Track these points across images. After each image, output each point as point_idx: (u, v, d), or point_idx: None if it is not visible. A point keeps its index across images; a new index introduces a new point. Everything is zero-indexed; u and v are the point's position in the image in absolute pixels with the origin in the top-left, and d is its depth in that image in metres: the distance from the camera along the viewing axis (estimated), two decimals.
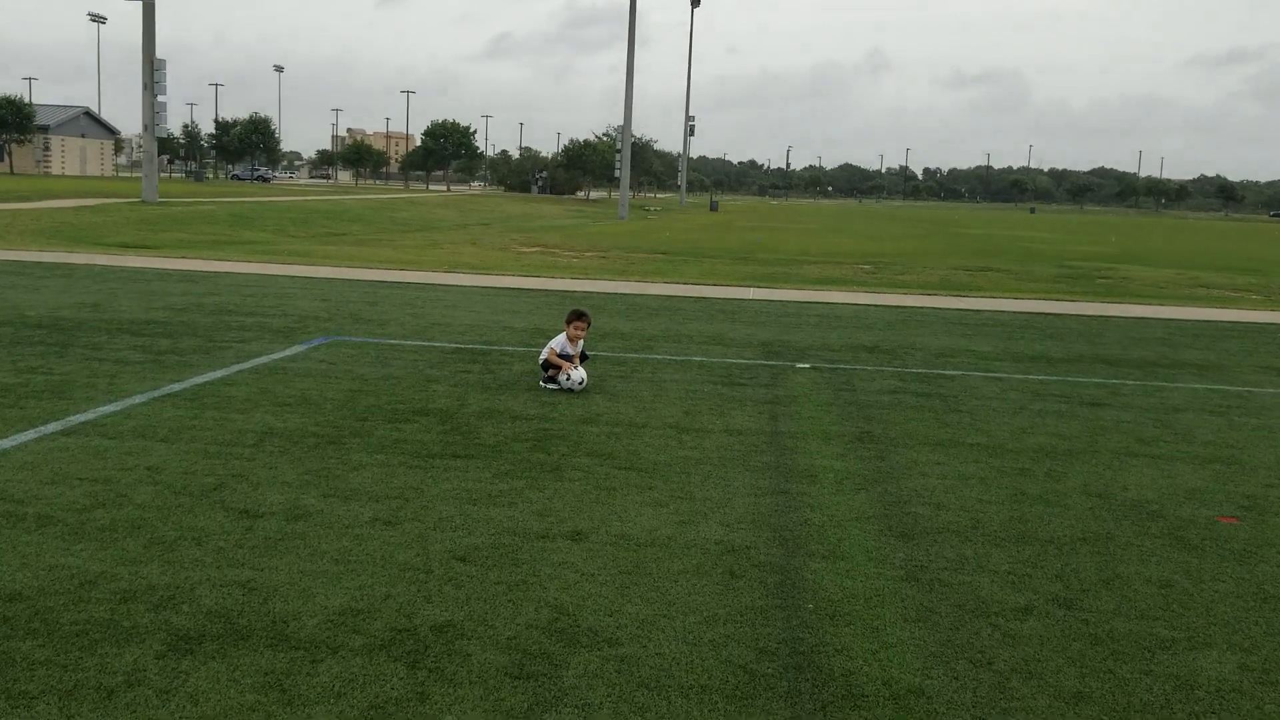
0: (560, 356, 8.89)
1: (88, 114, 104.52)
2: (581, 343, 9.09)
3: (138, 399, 7.86)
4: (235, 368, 9.33)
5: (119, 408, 7.55)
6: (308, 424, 7.31)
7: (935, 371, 10.84)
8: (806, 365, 10.89)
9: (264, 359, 9.83)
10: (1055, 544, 5.49)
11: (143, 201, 42.20)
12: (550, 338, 9.32)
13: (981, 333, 14.28)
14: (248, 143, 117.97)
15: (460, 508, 5.61)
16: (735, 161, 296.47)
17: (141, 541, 4.92)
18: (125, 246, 24.90)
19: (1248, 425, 8.76)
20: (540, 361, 9.01)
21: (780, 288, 20.06)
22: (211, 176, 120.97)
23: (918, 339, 13.33)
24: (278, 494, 5.69)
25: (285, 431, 7.07)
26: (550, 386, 8.87)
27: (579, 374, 8.81)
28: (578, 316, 9.13)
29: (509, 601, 4.40)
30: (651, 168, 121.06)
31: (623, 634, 4.15)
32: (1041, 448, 7.62)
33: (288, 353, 10.25)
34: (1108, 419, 8.76)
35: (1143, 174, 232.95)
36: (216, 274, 17.99)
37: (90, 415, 7.28)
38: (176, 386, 8.37)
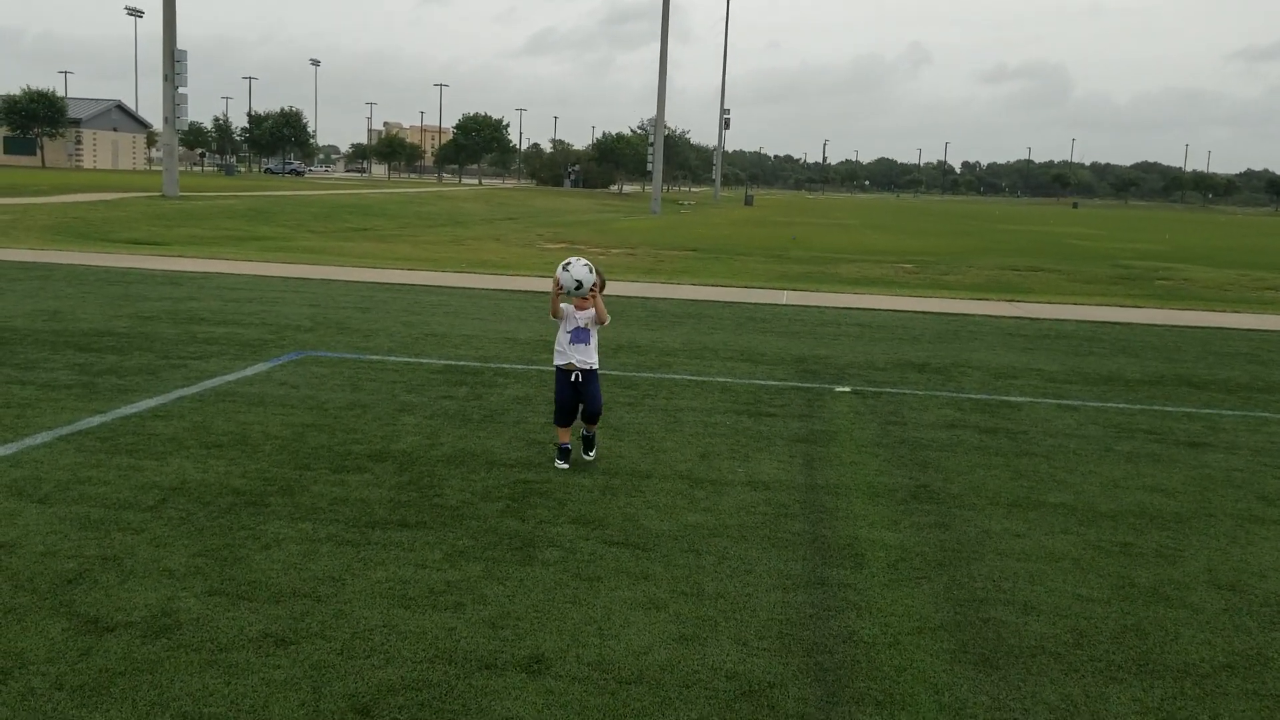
0: (565, 330, 6.51)
1: (120, 107, 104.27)
2: (589, 312, 6.46)
3: (39, 438, 6.52)
4: (178, 393, 7.98)
5: (9, 451, 6.22)
6: (232, 475, 5.93)
7: (998, 398, 9.32)
8: (846, 389, 9.40)
9: (216, 381, 8.48)
10: (1192, 676, 4.00)
11: (162, 196, 41.26)
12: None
13: (1043, 347, 12.70)
14: (279, 136, 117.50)
15: (386, 614, 4.20)
16: (771, 156, 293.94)
17: None
18: (136, 243, 23.80)
19: None
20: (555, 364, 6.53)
21: (816, 290, 18.53)
22: (243, 170, 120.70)
23: (973, 355, 11.79)
24: (150, 590, 4.31)
25: (199, 487, 5.69)
26: (561, 465, 6.42)
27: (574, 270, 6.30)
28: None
29: None
30: (686, 161, 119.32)
31: None
32: (1143, 510, 6.11)
33: (247, 373, 8.89)
34: (1214, 466, 7.22)
35: (1188, 168, 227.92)
36: (207, 275, 16.72)
37: None
38: (95, 421, 7.03)
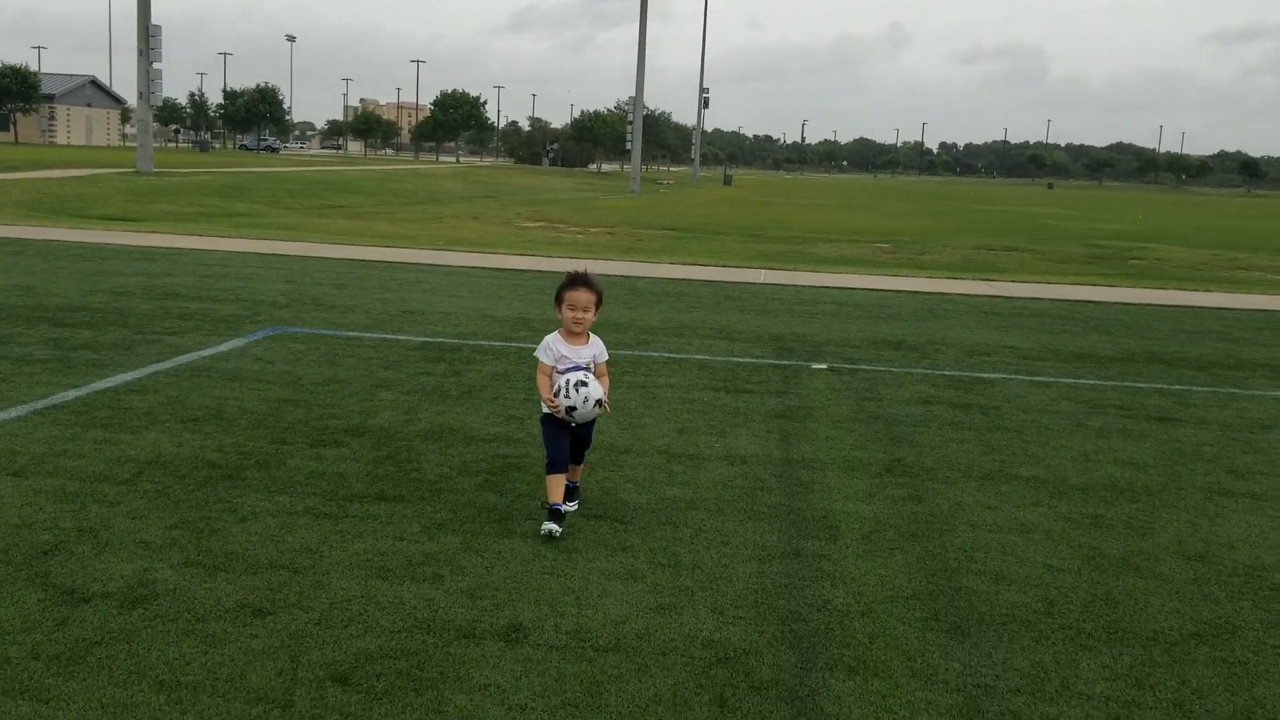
0: (559, 371, 4.98)
1: (94, 83, 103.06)
2: (594, 340, 5.14)
3: (14, 412, 6.48)
4: (153, 368, 7.94)
5: None
6: (207, 449, 5.92)
7: (971, 374, 9.39)
8: (823, 366, 9.45)
9: (191, 356, 8.44)
10: (1161, 643, 4.07)
11: (136, 172, 40.84)
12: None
13: (1017, 325, 12.80)
14: (255, 112, 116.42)
15: (365, 585, 4.21)
16: (750, 135, 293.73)
17: None
18: (110, 219, 23.58)
19: None
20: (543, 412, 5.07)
21: (793, 269, 18.57)
22: (218, 146, 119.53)
23: (947, 332, 11.86)
24: (126, 562, 4.30)
25: (175, 460, 5.68)
26: (552, 530, 4.86)
27: (588, 392, 4.90)
28: (572, 285, 5.01)
29: None
30: (665, 141, 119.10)
31: None
32: (1113, 483, 6.19)
33: (223, 348, 8.85)
34: (1185, 440, 7.31)
35: (1162, 149, 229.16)
36: (181, 251, 16.60)
37: None
38: (70, 395, 6.99)
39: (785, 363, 9.56)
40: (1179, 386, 9.29)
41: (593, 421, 5.14)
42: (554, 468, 4.98)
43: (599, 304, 5.04)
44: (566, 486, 5.11)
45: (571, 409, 4.88)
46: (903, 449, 6.71)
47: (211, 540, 4.58)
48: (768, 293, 15.01)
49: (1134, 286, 18.08)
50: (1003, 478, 6.19)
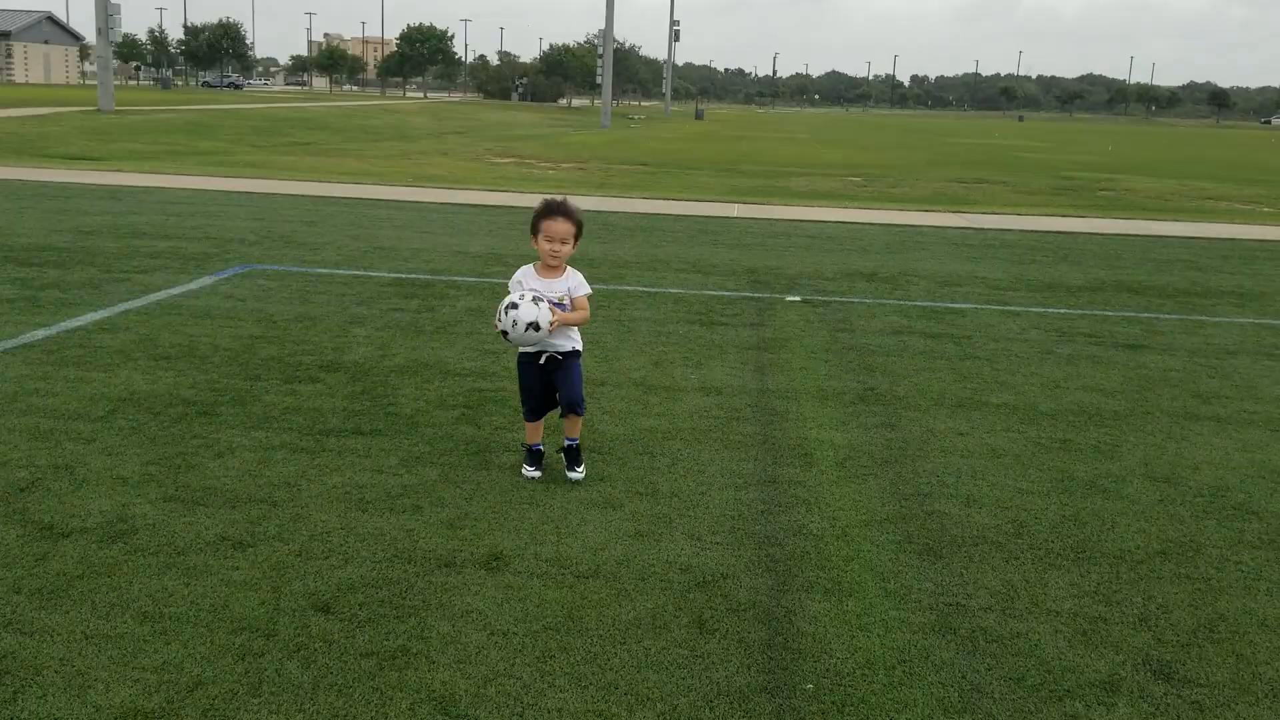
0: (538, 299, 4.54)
1: (50, 19, 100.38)
2: (570, 272, 4.70)
3: None
4: (123, 306, 7.87)
5: None
6: (181, 386, 5.89)
7: (943, 305, 9.45)
8: (797, 298, 9.48)
9: (161, 294, 8.36)
10: (1128, 562, 4.17)
11: (97, 110, 40.04)
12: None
13: (989, 256, 12.86)
14: (217, 49, 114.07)
15: (344, 517, 4.24)
16: (722, 69, 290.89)
17: None
18: (72, 158, 23.14)
19: None
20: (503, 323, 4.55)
21: (767, 203, 18.53)
22: (180, 84, 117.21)
23: (920, 264, 11.91)
24: (104, 497, 4.30)
25: (149, 397, 5.65)
26: (530, 473, 4.79)
27: (518, 314, 4.46)
28: (548, 214, 4.60)
29: (373, 690, 3.05)
30: (636, 75, 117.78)
31: None
32: (1082, 409, 6.28)
33: (193, 286, 8.77)
34: (1152, 366, 7.41)
35: (1133, 80, 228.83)
36: (147, 189, 16.35)
37: None
38: (41, 334, 6.92)
39: (759, 295, 9.58)
40: (1147, 314, 9.39)
41: (569, 369, 4.67)
42: (530, 413, 4.78)
43: (579, 235, 4.64)
44: (565, 446, 4.79)
45: (504, 333, 4.51)
46: (876, 378, 6.77)
47: (189, 475, 4.58)
48: (741, 226, 14.99)
49: (1103, 217, 18.17)
50: (974, 405, 6.27)
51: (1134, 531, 4.47)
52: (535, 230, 4.61)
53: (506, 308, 4.48)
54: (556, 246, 4.56)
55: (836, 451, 5.31)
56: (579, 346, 4.78)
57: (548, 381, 4.71)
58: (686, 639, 3.41)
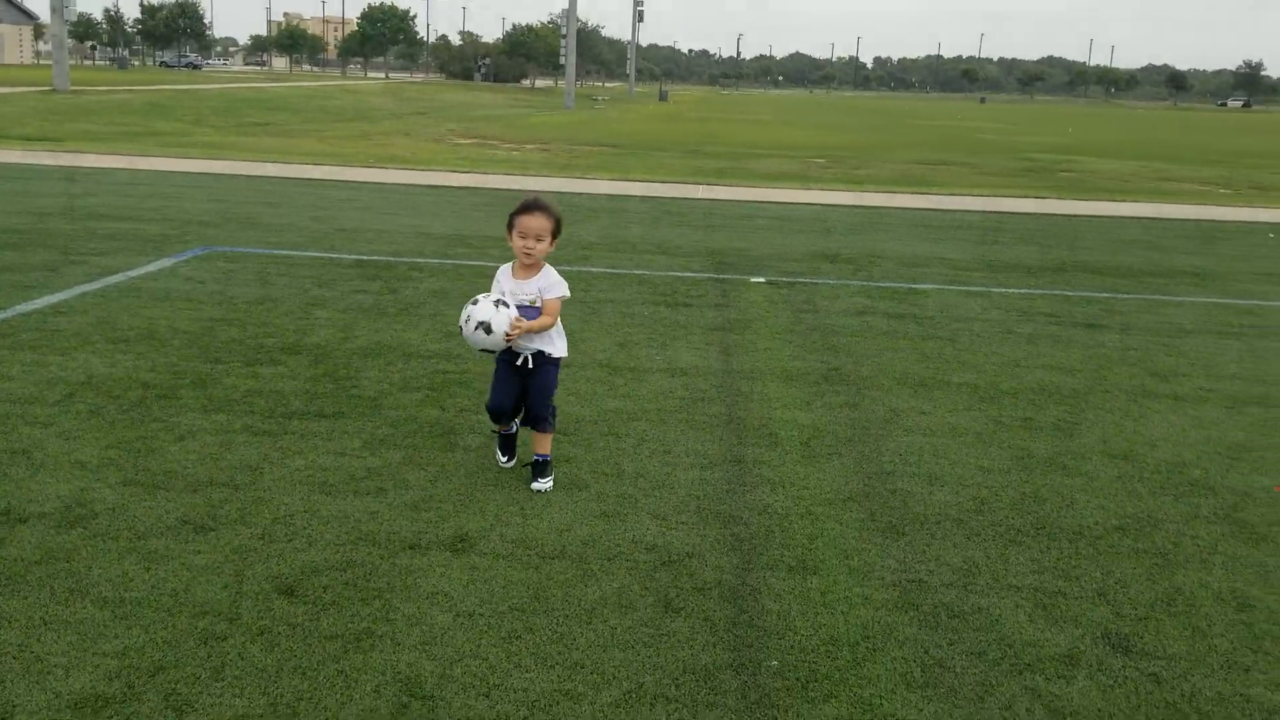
0: (503, 304, 4.24)
1: None
2: (545, 271, 4.36)
3: None
4: (79, 289, 7.76)
5: None
6: (140, 369, 5.82)
7: (906, 286, 9.52)
8: (762, 280, 9.50)
9: (119, 277, 8.25)
10: (1087, 538, 4.23)
11: (52, 90, 39.32)
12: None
13: (951, 237, 12.95)
14: (174, 28, 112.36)
15: (307, 500, 4.21)
16: (686, 50, 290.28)
17: None
18: (27, 139, 22.70)
19: (1270, 351, 7.56)
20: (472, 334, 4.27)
21: (731, 184, 18.54)
22: (137, 64, 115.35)
23: (883, 245, 11.97)
24: (62, 482, 4.25)
25: (107, 381, 5.58)
26: (503, 462, 4.68)
27: (472, 310, 4.22)
28: (523, 210, 4.29)
29: (338, 672, 3.04)
30: (600, 56, 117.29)
31: None
32: (1042, 387, 6.35)
33: (151, 268, 8.66)
34: (1110, 345, 7.50)
35: (1093, 63, 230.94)
36: (104, 170, 16.10)
37: None
38: None
39: (724, 277, 9.60)
40: (1106, 294, 9.50)
41: (544, 379, 4.39)
42: (491, 417, 4.56)
43: (556, 232, 4.30)
44: (535, 460, 4.49)
45: (461, 328, 4.29)
46: (840, 358, 6.81)
47: (149, 459, 4.53)
48: (706, 208, 14.99)
49: (1064, 198, 18.34)
50: (936, 384, 6.32)
51: (1093, 508, 4.53)
52: (511, 227, 4.30)
53: (469, 302, 4.29)
54: (531, 244, 4.25)
55: (801, 431, 5.33)
56: (557, 353, 4.44)
57: (523, 385, 4.41)
58: (652, 618, 3.42)
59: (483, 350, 4.29)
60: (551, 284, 4.34)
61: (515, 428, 4.66)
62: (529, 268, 4.34)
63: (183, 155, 19.57)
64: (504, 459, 4.66)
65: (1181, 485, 4.84)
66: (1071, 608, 3.63)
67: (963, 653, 3.30)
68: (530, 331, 4.28)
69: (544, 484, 4.45)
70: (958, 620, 3.50)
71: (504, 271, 4.42)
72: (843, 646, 3.30)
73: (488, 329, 4.17)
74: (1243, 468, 5.09)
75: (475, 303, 4.23)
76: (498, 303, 4.22)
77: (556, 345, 4.44)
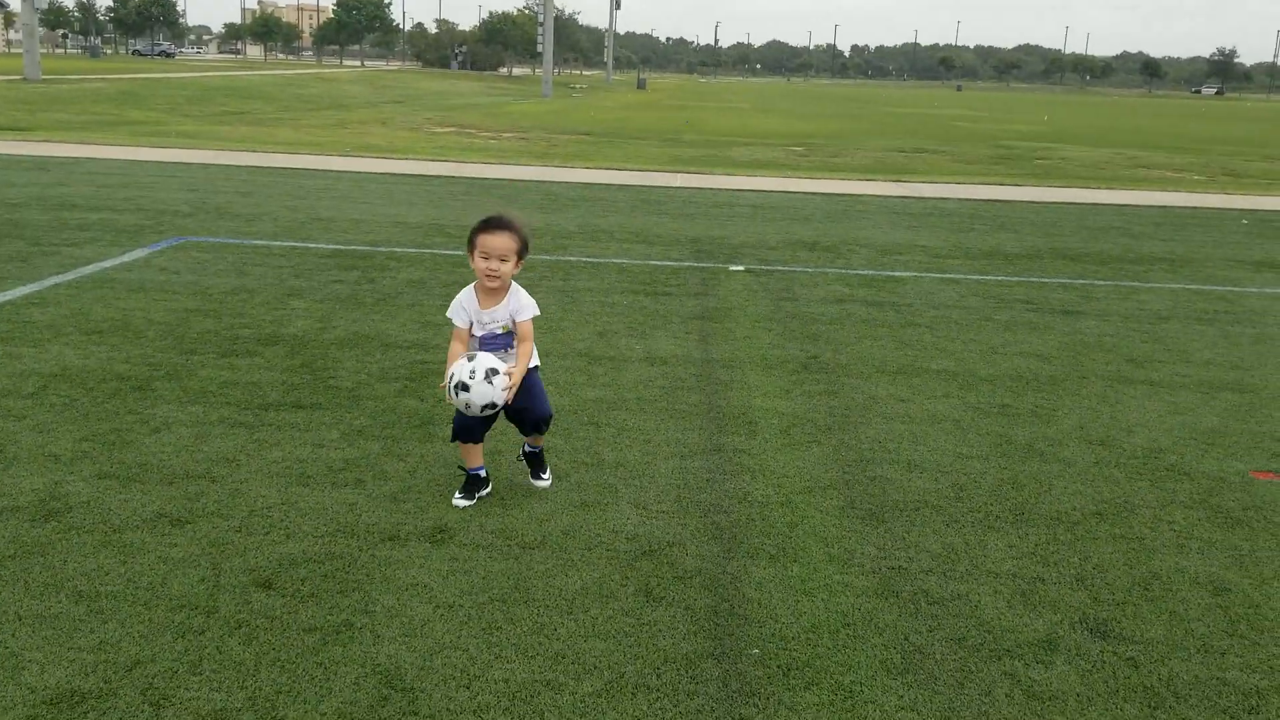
0: (476, 338, 4.07)
1: None
2: (513, 293, 4.05)
3: None
4: (53, 280, 7.68)
5: None
6: (115, 361, 5.77)
7: (884, 273, 9.54)
8: (740, 268, 9.51)
9: (93, 268, 8.17)
10: (1065, 523, 4.25)
11: (23, 79, 38.85)
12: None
13: (928, 224, 12.98)
14: (147, 16, 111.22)
15: (285, 491, 4.18)
16: (663, 38, 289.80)
17: None
18: None
19: (1243, 337, 7.62)
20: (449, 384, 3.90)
21: (709, 173, 18.53)
22: (110, 52, 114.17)
23: (860, 233, 12.00)
24: (36, 475, 4.20)
25: (81, 373, 5.53)
26: (461, 503, 4.15)
27: (469, 398, 3.84)
28: (485, 228, 3.93)
29: (317, 665, 3.02)
30: (577, 44, 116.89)
31: None
32: (1019, 374, 6.38)
33: (125, 259, 8.58)
34: (1087, 332, 7.55)
35: (1068, 50, 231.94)
36: (76, 160, 15.93)
37: None
38: None
39: (703, 265, 9.59)
40: (1082, 281, 9.55)
41: (530, 385, 4.10)
42: (459, 435, 4.11)
43: (522, 253, 3.95)
44: (527, 452, 4.36)
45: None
46: (818, 346, 6.82)
47: (124, 452, 4.49)
48: (684, 196, 14.98)
49: (1039, 185, 18.42)
50: (914, 371, 6.34)
51: (1070, 494, 4.55)
52: (471, 245, 3.95)
53: (456, 387, 3.82)
54: (495, 265, 3.89)
55: (780, 419, 5.34)
56: (534, 362, 4.18)
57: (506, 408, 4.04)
58: (633, 607, 3.42)
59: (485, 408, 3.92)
60: (523, 306, 4.03)
61: (486, 473, 4.22)
62: (494, 291, 4.00)
63: (157, 144, 19.39)
64: (464, 500, 4.12)
65: (1158, 470, 4.87)
66: (1050, 593, 3.65)
67: (942, 639, 3.32)
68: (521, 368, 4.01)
69: (545, 479, 4.36)
70: (937, 606, 3.52)
71: (467, 295, 4.05)
72: (823, 634, 3.31)
73: (494, 406, 3.89)
74: (1217, 453, 5.13)
75: (466, 388, 3.81)
76: (488, 375, 3.84)
77: (533, 356, 4.18)
